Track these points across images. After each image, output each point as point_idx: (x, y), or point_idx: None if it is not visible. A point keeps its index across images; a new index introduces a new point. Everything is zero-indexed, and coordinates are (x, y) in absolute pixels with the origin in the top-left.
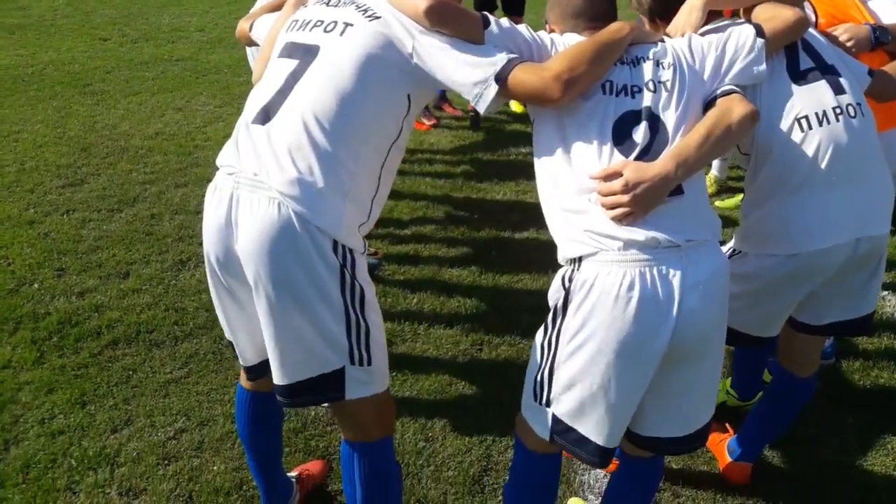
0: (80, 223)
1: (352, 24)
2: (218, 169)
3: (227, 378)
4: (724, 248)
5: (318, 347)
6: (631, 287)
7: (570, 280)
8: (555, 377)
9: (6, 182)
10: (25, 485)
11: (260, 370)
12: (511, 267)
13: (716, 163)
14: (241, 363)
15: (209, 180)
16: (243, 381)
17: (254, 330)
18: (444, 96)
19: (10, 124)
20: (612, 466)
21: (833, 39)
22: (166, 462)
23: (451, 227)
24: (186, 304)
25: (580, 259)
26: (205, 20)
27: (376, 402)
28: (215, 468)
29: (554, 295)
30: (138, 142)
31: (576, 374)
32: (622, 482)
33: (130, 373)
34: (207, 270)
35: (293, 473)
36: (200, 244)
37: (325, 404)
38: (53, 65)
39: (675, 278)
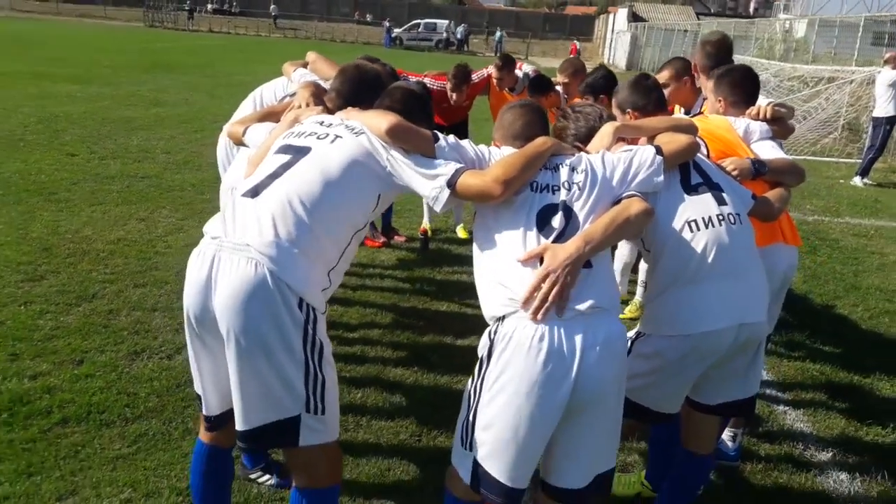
0: (37, 314)
1: (341, 137)
2: (202, 237)
3: (174, 456)
4: (631, 333)
5: (278, 394)
6: (541, 339)
7: (495, 333)
8: (477, 420)
9: None
10: None
11: (220, 421)
12: (451, 370)
13: (639, 289)
14: (204, 412)
15: (168, 283)
16: (202, 434)
17: (221, 380)
18: (390, 226)
19: None
20: None
21: (722, 168)
22: None
23: (396, 331)
24: (139, 390)
25: (503, 317)
26: (171, 144)
27: (327, 451)
28: None
29: (481, 347)
30: (100, 245)
31: (493, 416)
32: None
33: (79, 448)
34: (186, 325)
35: None
36: (156, 338)
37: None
38: (20, 174)
39: (578, 337)
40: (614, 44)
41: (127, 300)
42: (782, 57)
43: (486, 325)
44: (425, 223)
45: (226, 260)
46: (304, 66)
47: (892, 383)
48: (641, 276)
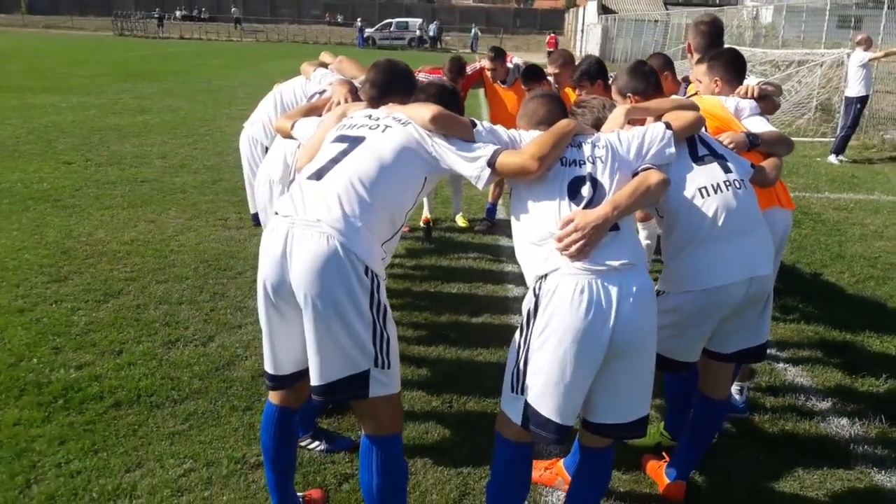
0: (69, 311)
1: (391, 126)
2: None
3: (225, 430)
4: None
5: (350, 351)
6: (582, 292)
7: (539, 290)
8: (528, 367)
9: None
10: None
11: (289, 380)
12: (469, 345)
13: None
14: (274, 372)
15: (188, 278)
16: (272, 396)
17: (294, 343)
18: None
19: None
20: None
21: (720, 142)
22: (180, 493)
23: (414, 313)
24: (181, 375)
25: (546, 275)
26: (165, 149)
27: (392, 402)
28: (225, 498)
29: (526, 304)
30: (115, 247)
31: (542, 362)
32: (581, 472)
33: (136, 427)
34: (260, 296)
35: (299, 494)
36: (187, 328)
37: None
38: (22, 182)
39: (614, 290)
40: (586, 36)
41: (152, 295)
42: (752, 43)
43: (496, 304)
44: (426, 213)
45: (299, 235)
46: (322, 65)
47: (881, 340)
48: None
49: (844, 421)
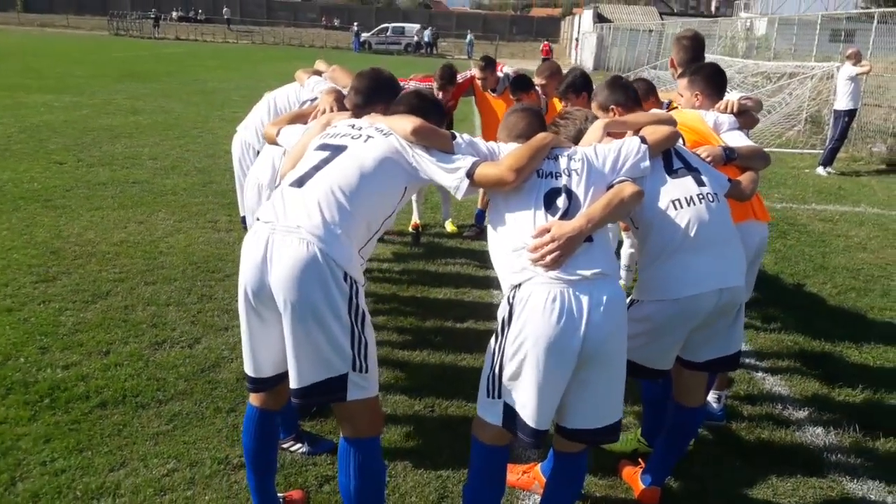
0: (57, 311)
1: (373, 137)
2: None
3: (209, 431)
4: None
5: (328, 355)
6: (554, 300)
7: (513, 298)
8: (503, 373)
9: None
10: None
11: (270, 383)
12: (454, 349)
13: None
14: (255, 375)
15: (176, 280)
16: (253, 399)
17: (273, 346)
18: None
19: None
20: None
21: (697, 156)
22: (163, 493)
23: (399, 318)
24: (166, 376)
25: (520, 284)
26: (157, 150)
27: (369, 405)
28: (207, 497)
29: (501, 311)
30: (105, 248)
31: (517, 369)
32: (555, 477)
33: (121, 427)
34: (241, 300)
35: (280, 495)
36: (174, 329)
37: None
38: (13, 182)
39: (585, 299)
40: (581, 44)
41: (140, 297)
42: (745, 54)
43: (481, 310)
44: (415, 218)
45: (279, 241)
46: (317, 73)
47: (859, 351)
48: (623, 260)
49: (819, 430)
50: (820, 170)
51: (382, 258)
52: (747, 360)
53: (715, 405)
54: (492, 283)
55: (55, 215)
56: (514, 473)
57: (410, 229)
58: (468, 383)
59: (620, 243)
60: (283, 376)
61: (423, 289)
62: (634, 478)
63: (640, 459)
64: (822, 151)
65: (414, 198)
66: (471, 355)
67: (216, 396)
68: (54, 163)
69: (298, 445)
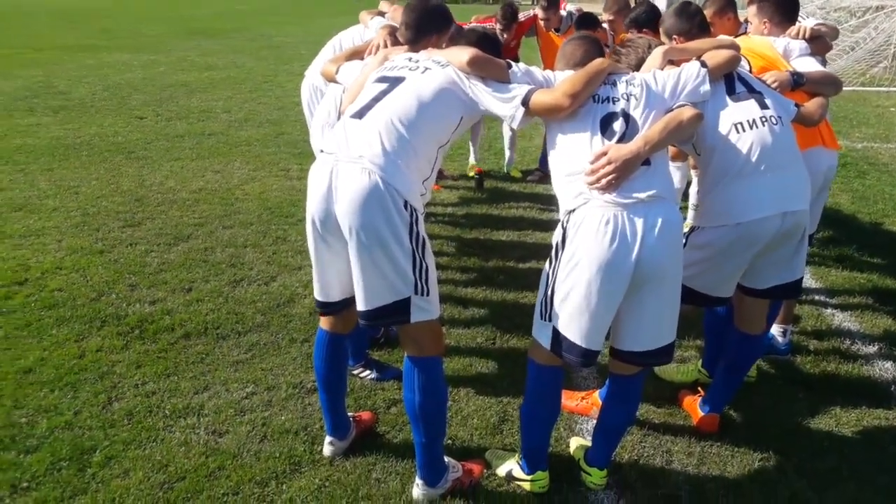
0: (143, 253)
1: (430, 68)
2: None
3: (284, 360)
4: (685, 227)
5: (392, 280)
6: (608, 223)
7: (568, 222)
8: (555, 295)
9: (75, 223)
10: (130, 426)
11: (339, 306)
12: (515, 287)
13: (690, 212)
14: (324, 299)
15: (252, 224)
16: (323, 322)
17: (342, 271)
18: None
19: (70, 181)
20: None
21: (764, 81)
22: (242, 413)
23: (463, 258)
24: (244, 310)
25: (574, 209)
26: (230, 104)
27: (431, 326)
28: (283, 417)
29: (555, 236)
30: (185, 195)
31: (569, 290)
32: (610, 398)
33: (204, 356)
34: (309, 229)
35: (350, 415)
36: (251, 269)
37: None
38: (99, 136)
39: (639, 221)
40: None
41: (219, 239)
42: None
43: (544, 251)
44: (472, 160)
45: (343, 171)
46: (380, 14)
47: None
48: (692, 199)
49: (889, 364)
50: None
51: (447, 202)
52: (817, 297)
53: (780, 339)
54: (555, 226)
55: (138, 166)
56: (573, 399)
57: (472, 174)
58: (529, 318)
59: (689, 183)
60: (351, 301)
61: (486, 231)
62: (693, 406)
63: (699, 389)
64: None
65: (470, 140)
66: (532, 293)
67: (291, 329)
68: (135, 118)
69: (367, 372)
